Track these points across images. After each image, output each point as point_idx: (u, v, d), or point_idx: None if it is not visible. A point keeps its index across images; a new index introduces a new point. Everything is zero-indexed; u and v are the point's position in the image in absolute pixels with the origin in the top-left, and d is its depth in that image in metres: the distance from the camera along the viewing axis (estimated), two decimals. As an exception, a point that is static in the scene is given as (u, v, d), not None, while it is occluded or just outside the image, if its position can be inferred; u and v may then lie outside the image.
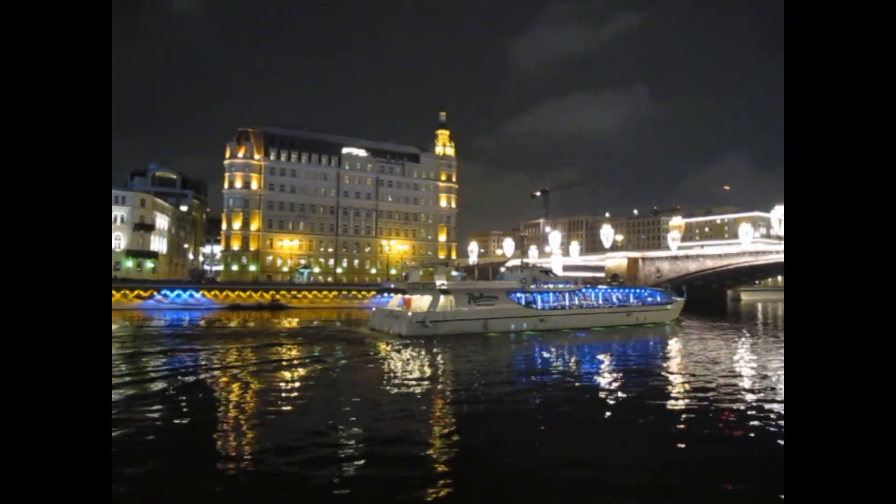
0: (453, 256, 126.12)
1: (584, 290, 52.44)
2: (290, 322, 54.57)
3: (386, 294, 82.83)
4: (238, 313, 64.58)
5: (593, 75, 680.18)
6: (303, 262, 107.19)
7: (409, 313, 41.50)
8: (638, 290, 58.00)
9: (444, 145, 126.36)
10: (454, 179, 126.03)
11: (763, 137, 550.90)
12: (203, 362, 28.30)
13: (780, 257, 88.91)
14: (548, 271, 56.81)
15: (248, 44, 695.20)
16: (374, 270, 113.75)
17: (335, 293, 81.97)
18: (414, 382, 24.20)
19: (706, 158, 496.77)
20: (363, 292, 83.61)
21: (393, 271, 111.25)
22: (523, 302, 46.16)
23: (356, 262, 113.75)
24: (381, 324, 44.22)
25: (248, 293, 75.33)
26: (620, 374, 27.08)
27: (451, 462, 13.53)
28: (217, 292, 74.04)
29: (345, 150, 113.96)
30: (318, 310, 73.26)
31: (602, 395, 22.23)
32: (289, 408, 19.39)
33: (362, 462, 13.35)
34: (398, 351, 33.37)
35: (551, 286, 49.94)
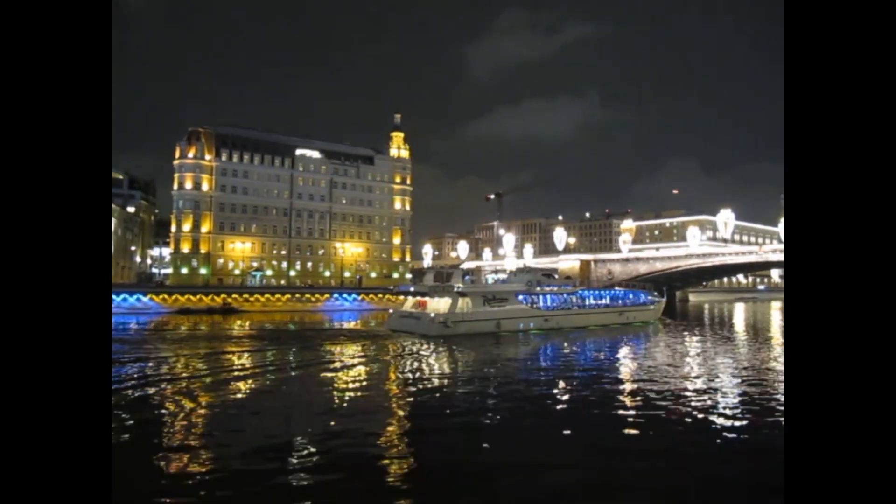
0: (407, 259, 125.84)
1: (581, 291, 56.22)
2: (244, 326, 53.35)
3: (343, 295, 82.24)
4: (188, 317, 62.94)
5: (547, 82, 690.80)
6: (255, 264, 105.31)
7: (432, 314, 43.61)
8: (625, 292, 61.79)
9: (398, 148, 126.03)
10: (409, 182, 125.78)
11: (709, 143, 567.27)
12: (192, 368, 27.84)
13: (727, 259, 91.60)
14: (550, 274, 60.03)
15: (201, 43, 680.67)
16: (327, 273, 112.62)
17: (288, 296, 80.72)
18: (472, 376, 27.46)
19: (656, 163, 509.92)
20: (317, 295, 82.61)
21: (347, 274, 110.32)
22: (529, 303, 49.24)
23: (309, 264, 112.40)
24: (401, 325, 46.06)
25: (198, 297, 73.52)
26: (626, 373, 28.80)
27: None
28: (166, 296, 71.97)
29: (298, 152, 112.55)
30: (272, 313, 72.13)
31: (612, 392, 23.39)
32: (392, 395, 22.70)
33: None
34: (428, 348, 36.00)
35: (554, 288, 53.55)
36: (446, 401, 21.42)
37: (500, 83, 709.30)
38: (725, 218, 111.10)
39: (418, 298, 48.92)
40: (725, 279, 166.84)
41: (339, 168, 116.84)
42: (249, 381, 25.01)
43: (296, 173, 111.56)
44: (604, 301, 57.04)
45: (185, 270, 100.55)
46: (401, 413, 19.54)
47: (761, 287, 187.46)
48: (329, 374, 26.69)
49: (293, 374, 27.11)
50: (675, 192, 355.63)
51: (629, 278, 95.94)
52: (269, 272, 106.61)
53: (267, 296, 79.09)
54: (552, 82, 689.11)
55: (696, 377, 26.39)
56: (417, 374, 27.19)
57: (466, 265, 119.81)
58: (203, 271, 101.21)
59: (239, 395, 21.93)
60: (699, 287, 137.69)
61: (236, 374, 26.91)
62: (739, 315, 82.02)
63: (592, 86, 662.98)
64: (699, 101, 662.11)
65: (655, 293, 64.04)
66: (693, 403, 20.07)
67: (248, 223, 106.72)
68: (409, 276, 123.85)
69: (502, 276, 61.23)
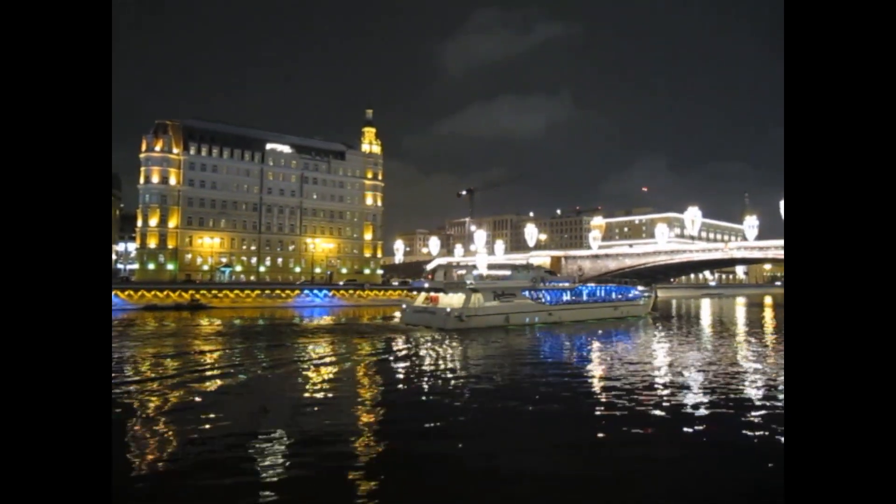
0: (379, 255, 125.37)
1: (579, 288, 59.61)
2: (213, 323, 52.53)
3: (314, 291, 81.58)
4: (154, 314, 61.83)
5: (519, 80, 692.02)
6: (224, 260, 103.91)
7: (448, 309, 45.36)
8: (618, 288, 64.89)
9: (370, 143, 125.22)
10: (380, 177, 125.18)
11: (677, 142, 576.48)
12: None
13: (693, 255, 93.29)
14: (552, 272, 63.98)
15: (169, 34, 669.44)
16: (297, 269, 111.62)
17: (258, 292, 79.84)
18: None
19: (626, 161, 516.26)
20: (287, 291, 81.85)
21: (318, 270, 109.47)
22: (534, 298, 52.19)
23: (280, 260, 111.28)
24: (417, 319, 48.18)
25: (165, 293, 72.32)
26: (630, 365, 29.61)
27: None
28: (132, 292, 70.65)
29: (269, 146, 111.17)
30: (241, 309, 71.21)
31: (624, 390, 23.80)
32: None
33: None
34: (449, 341, 38.03)
35: (556, 284, 57.17)
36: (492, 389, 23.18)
37: (473, 81, 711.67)
38: (692, 216, 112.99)
39: (430, 294, 51.17)
40: (692, 276, 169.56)
41: (310, 163, 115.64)
42: (322, 372, 26.46)
43: (266, 168, 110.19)
44: (600, 297, 60.34)
45: (151, 266, 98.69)
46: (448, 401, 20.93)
47: (712, 283, 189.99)
48: (378, 365, 29.09)
49: (352, 365, 29.12)
50: (644, 189, 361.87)
51: (599, 274, 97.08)
52: (238, 268, 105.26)
53: (236, 292, 78.17)
54: (525, 80, 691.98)
55: (694, 370, 27.71)
56: (455, 365, 29.63)
57: (437, 261, 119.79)
58: (170, 267, 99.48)
59: (307, 384, 23.45)
60: (666, 283, 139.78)
61: (287, 366, 27.77)
62: (710, 310, 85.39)
63: (565, 84, 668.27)
64: (668, 100, 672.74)
65: (645, 289, 67.72)
66: (690, 397, 20.95)
67: (217, 218, 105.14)
68: (380, 272, 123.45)
69: (475, 272, 62.33)
